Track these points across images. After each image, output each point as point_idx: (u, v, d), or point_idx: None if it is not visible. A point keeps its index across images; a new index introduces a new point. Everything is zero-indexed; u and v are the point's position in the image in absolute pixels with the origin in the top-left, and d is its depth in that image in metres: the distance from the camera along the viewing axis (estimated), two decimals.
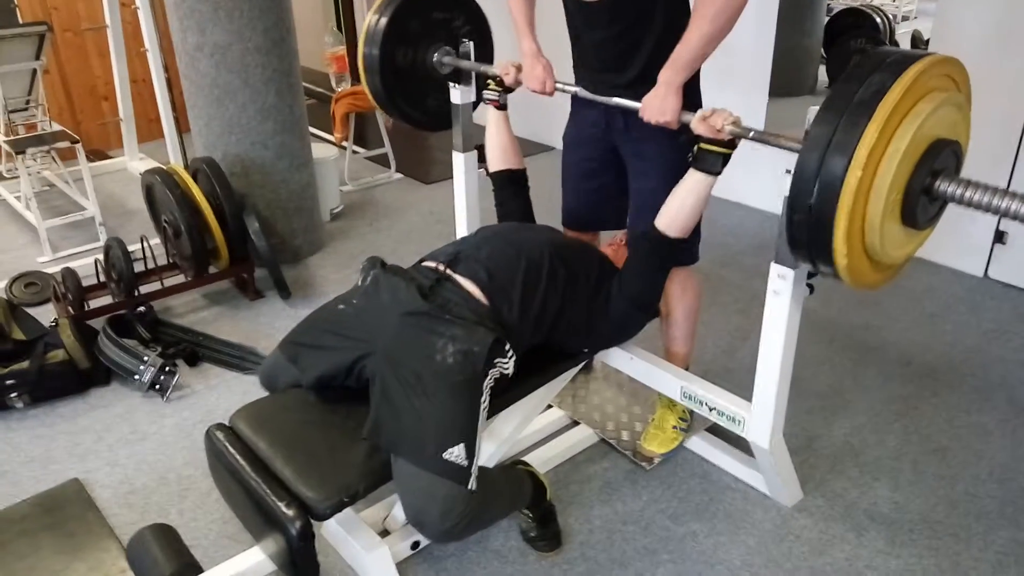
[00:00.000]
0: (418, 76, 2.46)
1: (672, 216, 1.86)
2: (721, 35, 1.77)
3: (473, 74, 2.40)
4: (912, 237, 1.61)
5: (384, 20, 2.32)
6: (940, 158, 1.47)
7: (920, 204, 1.49)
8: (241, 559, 1.80)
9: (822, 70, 5.69)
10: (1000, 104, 3.06)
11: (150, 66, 4.28)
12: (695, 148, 1.77)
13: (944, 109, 1.45)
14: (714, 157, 1.75)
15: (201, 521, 2.13)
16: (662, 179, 1.95)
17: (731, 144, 1.74)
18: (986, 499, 2.15)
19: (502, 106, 2.27)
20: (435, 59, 2.43)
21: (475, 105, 2.51)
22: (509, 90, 2.24)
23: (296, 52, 3.43)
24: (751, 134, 1.67)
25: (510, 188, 2.25)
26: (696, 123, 1.74)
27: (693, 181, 1.81)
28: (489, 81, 2.26)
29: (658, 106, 1.83)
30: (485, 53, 2.51)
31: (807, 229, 1.47)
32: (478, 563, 1.98)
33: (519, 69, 2.18)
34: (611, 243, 2.17)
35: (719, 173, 1.78)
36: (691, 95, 1.95)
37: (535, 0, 2.17)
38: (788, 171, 1.71)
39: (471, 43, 2.34)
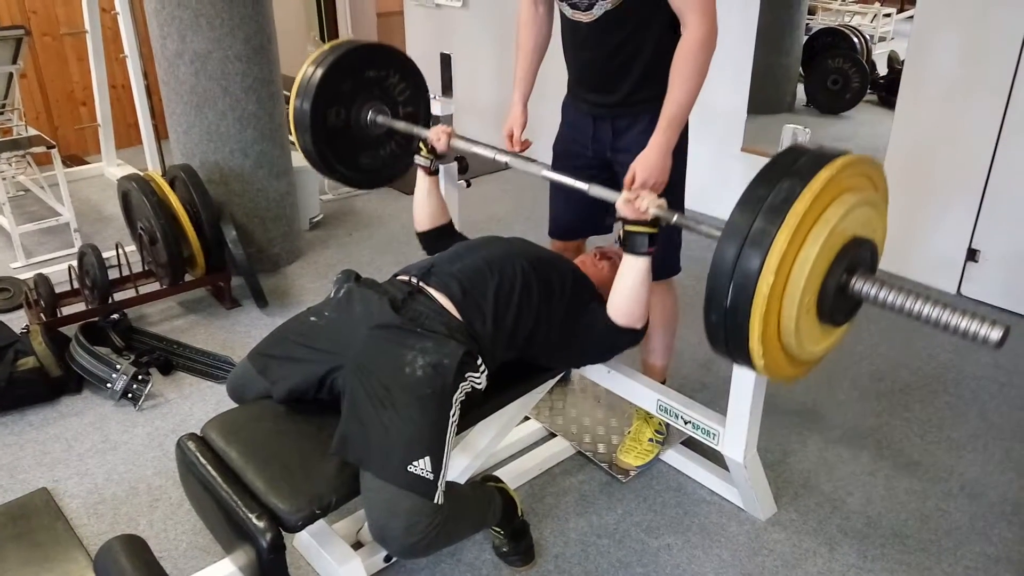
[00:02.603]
0: (351, 134, 2.42)
1: (615, 304, 1.87)
2: (699, 88, 1.88)
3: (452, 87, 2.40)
4: (831, 331, 1.60)
5: (320, 73, 2.26)
6: (854, 257, 1.48)
7: (836, 302, 1.49)
8: (211, 571, 1.78)
9: (800, 88, 5.77)
10: (974, 122, 3.12)
11: (129, 72, 4.24)
12: (622, 231, 1.80)
13: (858, 210, 1.46)
14: (640, 237, 1.78)
15: (171, 532, 2.10)
16: None
17: (655, 223, 1.77)
18: (957, 514, 2.17)
19: (433, 171, 2.25)
20: (368, 118, 2.40)
21: (408, 165, 2.51)
22: (440, 156, 2.24)
23: (277, 60, 3.42)
24: (675, 218, 1.71)
25: (441, 240, 2.25)
26: (621, 205, 1.78)
27: (626, 266, 1.83)
28: (420, 146, 2.25)
29: (661, 167, 1.90)
30: (421, 112, 2.52)
31: (723, 330, 1.47)
32: None
33: (450, 135, 2.19)
34: (590, 254, 2.18)
35: (649, 254, 1.80)
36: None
37: (538, 56, 2.22)
38: None
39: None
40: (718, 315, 1.45)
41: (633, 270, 1.82)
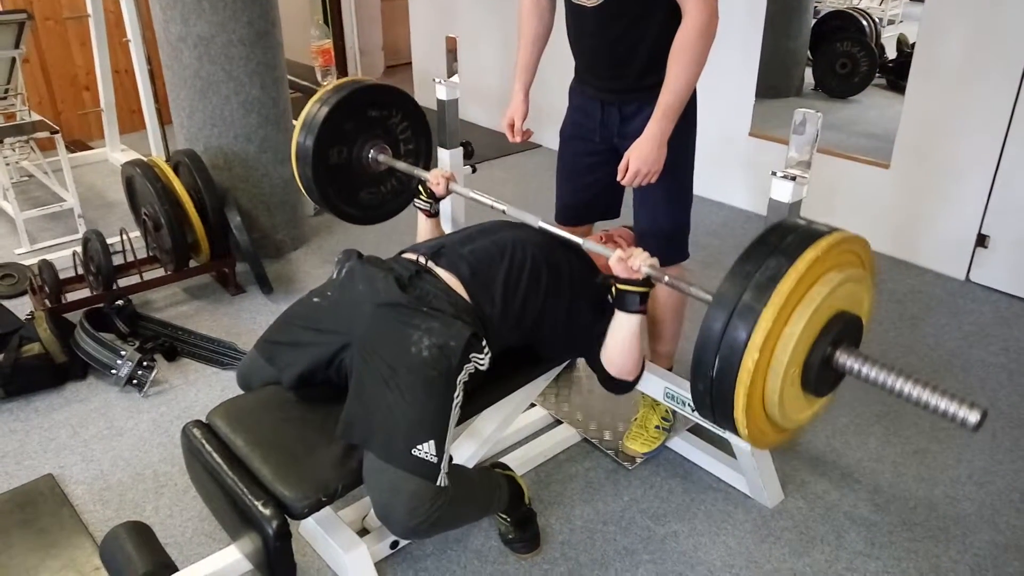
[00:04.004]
0: (352, 171, 2.44)
1: (608, 356, 1.87)
2: (698, 77, 1.88)
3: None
4: (815, 400, 1.61)
5: (324, 112, 2.30)
6: (839, 331, 1.48)
7: (820, 375, 1.49)
8: (217, 558, 1.78)
9: (808, 72, 5.72)
10: (984, 106, 3.09)
11: (132, 57, 4.22)
12: (613, 289, 1.80)
13: (843, 287, 1.46)
14: (632, 296, 1.78)
15: (177, 519, 2.11)
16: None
17: (647, 283, 1.76)
18: (965, 502, 2.16)
19: (433, 214, 2.26)
20: (370, 156, 2.42)
21: (407, 202, 2.54)
22: (440, 200, 2.25)
23: (281, 44, 3.39)
24: (665, 279, 1.72)
25: None
26: (614, 262, 1.77)
27: (617, 322, 1.83)
28: (420, 189, 2.24)
29: (655, 157, 1.90)
30: (422, 150, 2.53)
31: (709, 398, 1.48)
32: (458, 563, 1.96)
33: (449, 180, 2.20)
34: (597, 236, 2.16)
35: (640, 312, 1.80)
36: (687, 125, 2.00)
37: (540, 45, 2.20)
38: (774, 173, 1.72)
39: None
40: (704, 384, 1.47)
41: (625, 327, 1.82)
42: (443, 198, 2.25)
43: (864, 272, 1.56)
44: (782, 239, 1.45)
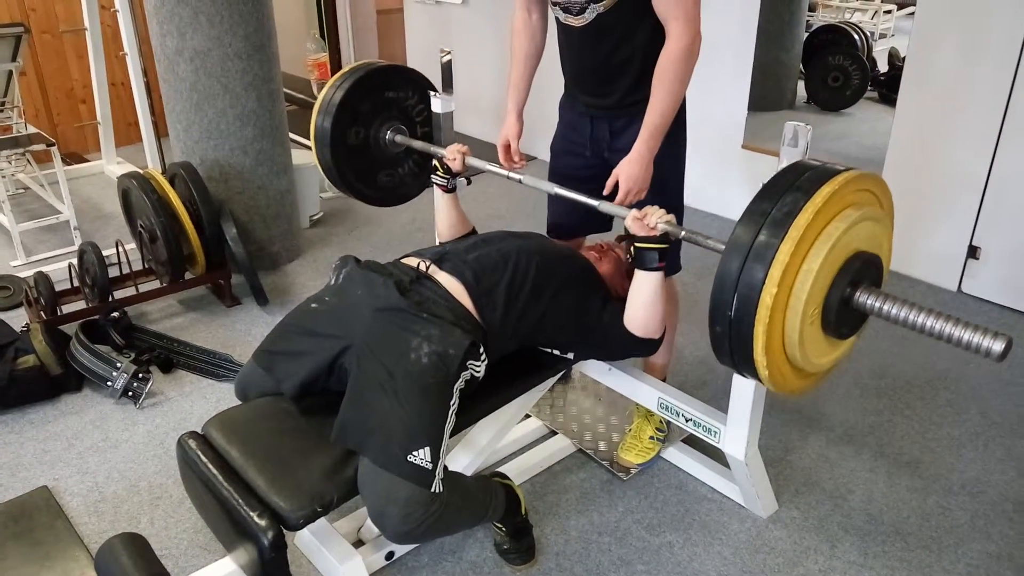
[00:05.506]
0: (370, 152, 2.48)
1: (632, 317, 1.90)
2: (682, 97, 1.91)
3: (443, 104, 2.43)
4: (837, 344, 1.61)
5: (340, 94, 2.34)
6: (858, 271, 1.49)
7: (840, 315, 1.50)
8: (212, 569, 1.78)
9: (801, 85, 5.77)
10: (975, 119, 3.12)
11: (129, 70, 4.24)
12: (632, 248, 1.84)
13: (861, 225, 1.46)
14: (650, 253, 1.81)
15: (172, 530, 2.10)
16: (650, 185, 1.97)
17: (664, 239, 1.80)
18: (958, 511, 2.17)
19: (450, 189, 2.28)
20: (387, 137, 2.46)
21: (424, 184, 2.56)
22: (456, 175, 2.27)
23: (277, 58, 3.41)
24: (683, 233, 1.75)
25: None
26: (630, 222, 1.81)
27: (638, 281, 1.87)
28: (436, 165, 2.27)
29: (644, 176, 1.91)
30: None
31: (728, 340, 1.48)
32: (452, 574, 1.96)
33: (466, 155, 2.22)
34: (592, 247, 2.18)
35: (659, 268, 1.83)
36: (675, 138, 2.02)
37: (532, 64, 2.21)
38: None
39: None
40: (722, 326, 1.47)
41: (646, 285, 1.85)
42: (460, 174, 2.28)
43: (882, 212, 1.56)
44: (798, 177, 1.45)
